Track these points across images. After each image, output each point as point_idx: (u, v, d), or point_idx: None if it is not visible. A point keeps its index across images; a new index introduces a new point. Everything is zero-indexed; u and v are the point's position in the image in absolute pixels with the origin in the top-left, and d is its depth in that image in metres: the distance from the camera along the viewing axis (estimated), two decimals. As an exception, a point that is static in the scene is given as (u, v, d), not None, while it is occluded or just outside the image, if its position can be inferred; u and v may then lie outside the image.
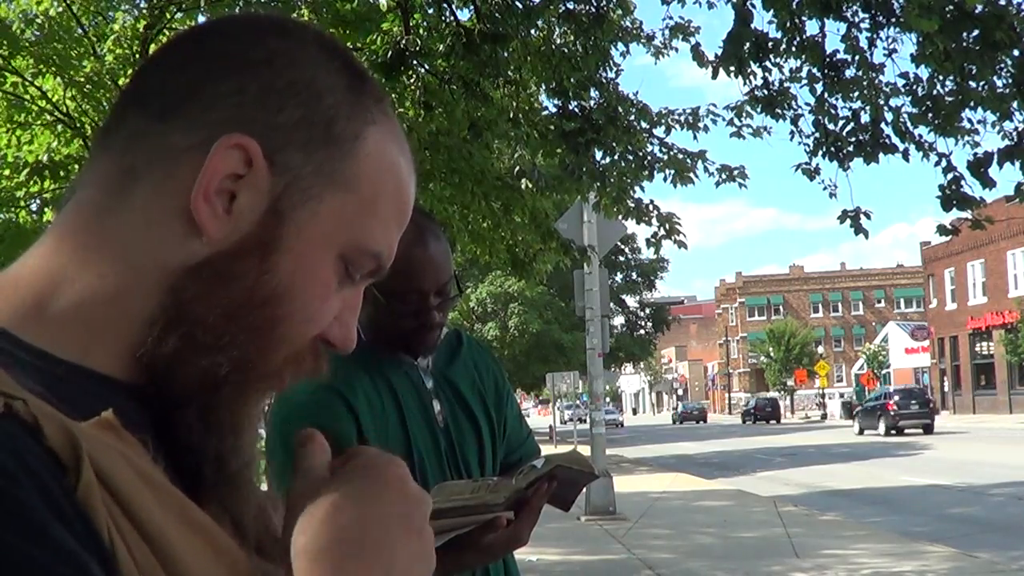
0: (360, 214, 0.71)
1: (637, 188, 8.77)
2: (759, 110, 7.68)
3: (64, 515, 0.53)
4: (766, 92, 7.54)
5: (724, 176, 8.33)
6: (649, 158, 8.15)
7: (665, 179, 8.13)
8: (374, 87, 0.74)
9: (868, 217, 7.42)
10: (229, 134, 0.66)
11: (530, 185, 8.21)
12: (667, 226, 8.75)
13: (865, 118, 7.31)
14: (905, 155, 7.25)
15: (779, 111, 7.58)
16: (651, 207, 8.82)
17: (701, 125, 8.52)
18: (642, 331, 43.35)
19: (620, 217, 9.33)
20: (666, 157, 8.20)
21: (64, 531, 0.53)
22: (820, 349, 71.96)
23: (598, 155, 8.01)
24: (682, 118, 8.55)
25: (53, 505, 0.53)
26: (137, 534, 0.57)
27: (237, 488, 0.70)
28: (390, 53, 7.67)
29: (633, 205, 8.74)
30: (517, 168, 8.49)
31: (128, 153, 0.68)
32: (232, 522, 0.70)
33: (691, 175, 8.14)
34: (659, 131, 8.40)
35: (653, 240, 8.91)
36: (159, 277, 0.66)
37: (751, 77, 7.44)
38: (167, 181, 0.67)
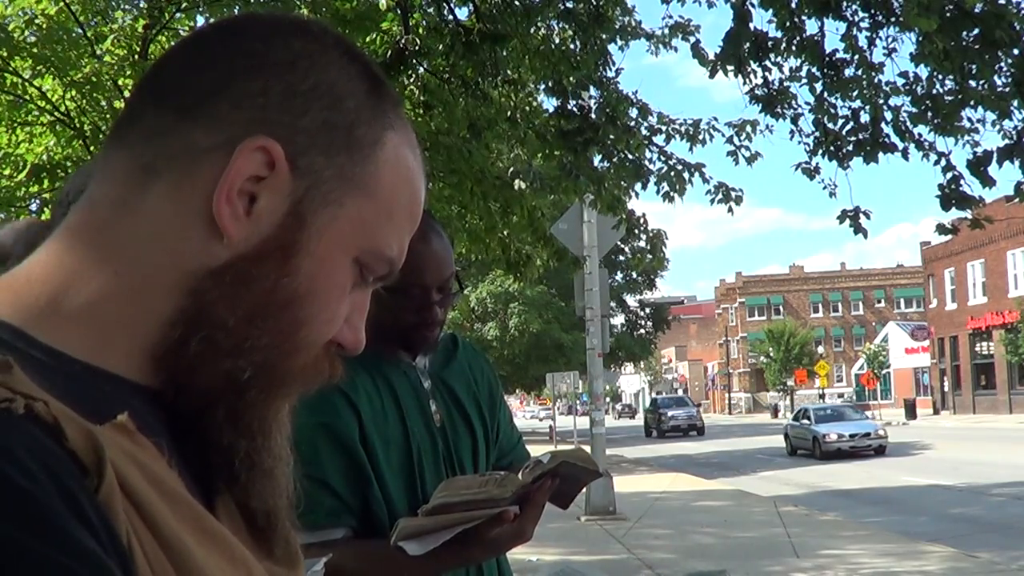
0: (377, 218, 0.71)
1: (632, 193, 8.78)
2: (759, 109, 7.68)
3: (86, 518, 0.53)
4: (766, 91, 7.55)
5: (721, 195, 8.25)
6: (646, 166, 8.10)
7: (658, 192, 8.07)
8: (391, 92, 0.74)
9: (868, 217, 7.42)
10: (253, 136, 0.66)
11: (523, 186, 8.20)
12: (653, 244, 8.78)
13: (865, 117, 7.31)
14: (905, 154, 7.26)
15: (779, 110, 7.58)
16: (643, 220, 8.85)
17: (701, 138, 8.45)
18: (642, 331, 43.35)
19: (615, 224, 9.34)
20: (664, 167, 8.14)
21: (86, 534, 0.52)
22: (820, 349, 71.92)
23: (596, 159, 8.00)
24: (683, 128, 8.50)
25: (75, 508, 0.52)
26: (153, 539, 0.57)
27: (272, 481, 0.70)
28: (390, 53, 7.68)
29: (624, 216, 8.74)
30: (512, 168, 8.49)
31: (147, 150, 0.67)
32: (266, 514, 0.70)
33: (683, 189, 8.04)
34: (659, 139, 8.37)
35: (638, 259, 8.99)
36: (178, 278, 0.66)
37: (751, 76, 7.45)
38: (187, 180, 0.66)
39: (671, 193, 7.99)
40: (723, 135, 8.30)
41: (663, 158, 8.22)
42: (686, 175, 8.09)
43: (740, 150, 8.16)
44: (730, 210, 8.22)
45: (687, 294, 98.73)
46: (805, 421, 27.27)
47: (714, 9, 7.81)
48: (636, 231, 8.85)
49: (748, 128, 8.08)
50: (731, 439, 37.26)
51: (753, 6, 6.86)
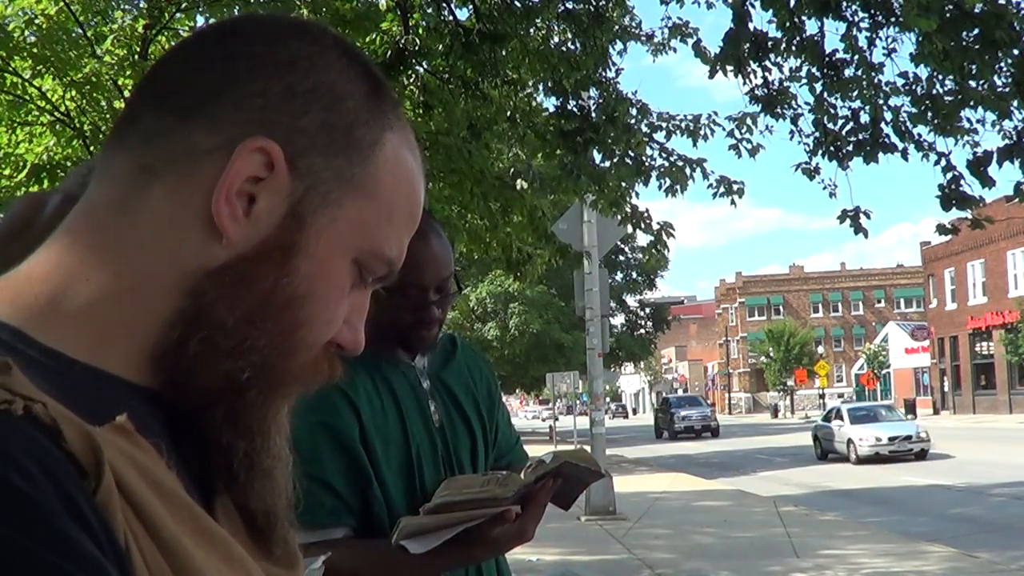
0: (376, 219, 0.71)
1: (633, 192, 8.79)
2: (759, 109, 7.67)
3: (84, 520, 0.53)
4: (766, 91, 7.55)
5: (723, 189, 8.24)
6: (647, 163, 8.09)
7: (660, 187, 8.07)
8: (390, 92, 0.74)
9: (868, 216, 7.42)
10: (252, 136, 0.66)
11: (525, 185, 8.20)
12: (658, 236, 8.80)
13: (864, 117, 7.31)
14: (904, 154, 7.26)
15: (779, 111, 7.58)
16: (647, 215, 8.86)
17: (702, 133, 8.43)
18: (642, 331, 43.35)
19: (618, 222, 9.35)
20: (666, 163, 8.13)
21: (84, 536, 0.52)
22: (820, 349, 71.92)
23: (597, 158, 7.99)
24: (683, 124, 8.48)
25: (73, 510, 0.52)
26: (151, 541, 0.57)
27: (270, 481, 0.71)
28: (389, 53, 7.68)
29: (629, 211, 8.74)
30: (512, 169, 8.49)
31: (146, 151, 0.67)
32: (265, 514, 0.71)
33: (685, 183, 8.04)
34: (660, 135, 8.35)
35: (651, 254, 9.09)
36: (177, 278, 0.66)
37: (751, 76, 7.45)
38: (187, 181, 0.66)
39: (674, 187, 7.99)
40: (724, 129, 8.30)
41: (664, 154, 8.21)
42: (687, 170, 8.08)
43: (741, 143, 8.15)
44: (733, 203, 8.20)
45: (687, 294, 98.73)
46: (837, 422, 24.25)
47: (714, 10, 7.81)
48: (640, 227, 8.84)
49: (748, 121, 8.06)
50: (731, 439, 37.25)
51: (753, 6, 6.86)
